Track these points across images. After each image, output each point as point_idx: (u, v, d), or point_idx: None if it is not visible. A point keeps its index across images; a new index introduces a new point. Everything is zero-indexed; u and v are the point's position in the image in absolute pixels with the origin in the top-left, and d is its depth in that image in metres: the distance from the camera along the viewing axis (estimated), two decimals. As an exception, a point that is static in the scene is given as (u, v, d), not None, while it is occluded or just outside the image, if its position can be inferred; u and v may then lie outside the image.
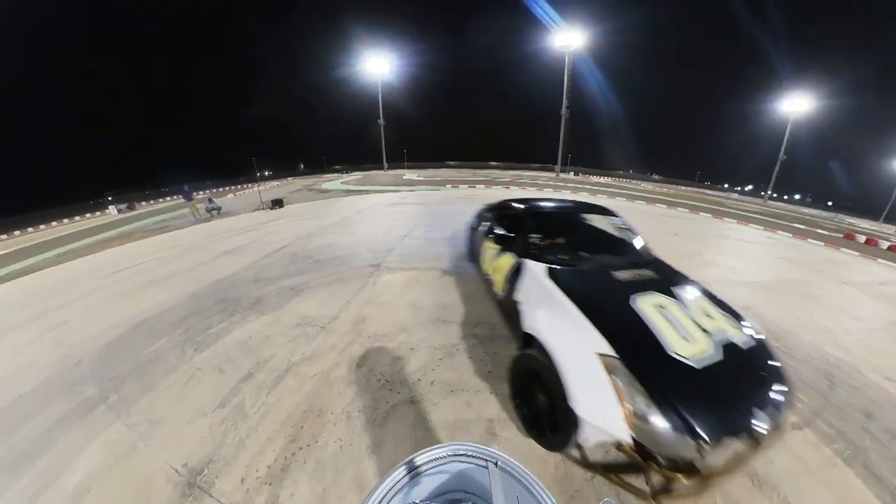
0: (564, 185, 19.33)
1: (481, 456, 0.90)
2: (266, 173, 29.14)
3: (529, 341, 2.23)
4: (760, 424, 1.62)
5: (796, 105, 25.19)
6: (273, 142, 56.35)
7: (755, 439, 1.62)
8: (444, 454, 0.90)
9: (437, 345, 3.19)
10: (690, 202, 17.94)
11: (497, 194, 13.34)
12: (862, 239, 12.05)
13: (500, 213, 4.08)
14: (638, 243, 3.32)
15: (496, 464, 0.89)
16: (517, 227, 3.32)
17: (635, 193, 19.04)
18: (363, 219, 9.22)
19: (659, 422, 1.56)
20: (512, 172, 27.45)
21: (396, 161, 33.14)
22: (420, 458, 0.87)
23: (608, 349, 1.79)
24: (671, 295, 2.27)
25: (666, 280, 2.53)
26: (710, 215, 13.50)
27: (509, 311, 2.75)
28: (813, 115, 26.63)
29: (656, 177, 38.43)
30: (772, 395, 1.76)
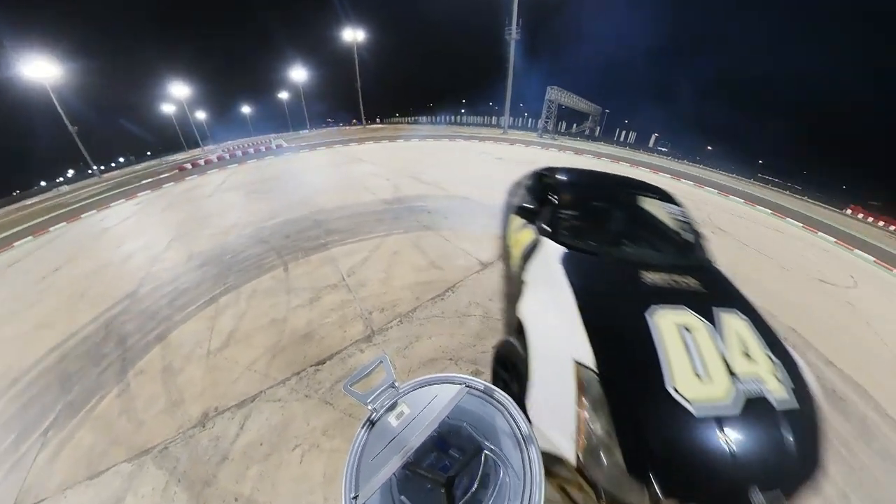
0: None
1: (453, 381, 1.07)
2: None
3: (519, 328, 1.98)
4: None
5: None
6: None
7: None
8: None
9: None
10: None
11: None
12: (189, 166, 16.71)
13: (534, 182, 3.66)
14: (693, 243, 2.67)
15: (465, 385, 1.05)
16: (544, 200, 2.92)
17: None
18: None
19: (614, 460, 1.30)
20: None
21: None
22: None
23: (590, 360, 1.52)
24: (708, 316, 1.77)
25: (710, 296, 1.95)
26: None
27: (516, 290, 2.51)
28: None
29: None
30: (786, 482, 1.31)
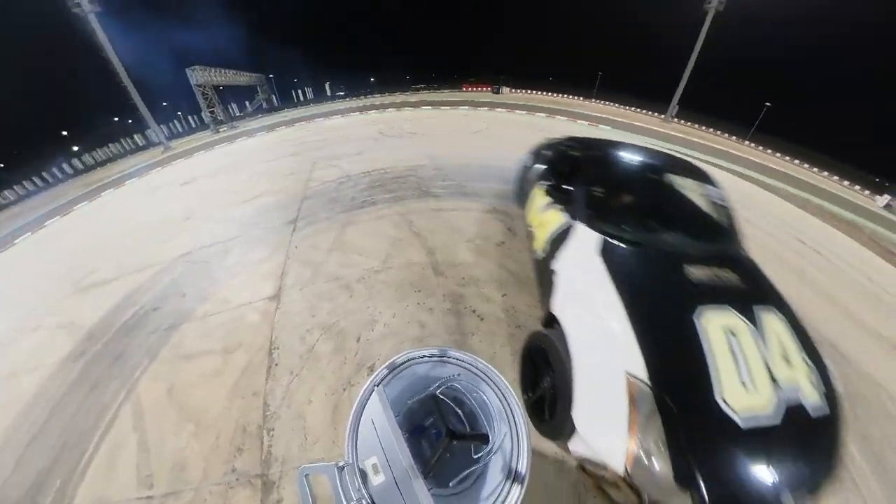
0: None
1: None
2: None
3: (553, 323, 1.91)
4: None
5: None
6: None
7: None
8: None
9: None
10: None
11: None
12: None
13: (559, 152, 3.33)
14: (729, 229, 2.37)
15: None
16: (576, 177, 2.61)
17: None
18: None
19: (663, 472, 1.32)
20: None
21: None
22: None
23: (642, 372, 1.46)
24: (750, 317, 1.66)
25: (751, 292, 1.84)
26: None
27: (543, 277, 2.36)
28: None
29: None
30: (814, 483, 1.37)
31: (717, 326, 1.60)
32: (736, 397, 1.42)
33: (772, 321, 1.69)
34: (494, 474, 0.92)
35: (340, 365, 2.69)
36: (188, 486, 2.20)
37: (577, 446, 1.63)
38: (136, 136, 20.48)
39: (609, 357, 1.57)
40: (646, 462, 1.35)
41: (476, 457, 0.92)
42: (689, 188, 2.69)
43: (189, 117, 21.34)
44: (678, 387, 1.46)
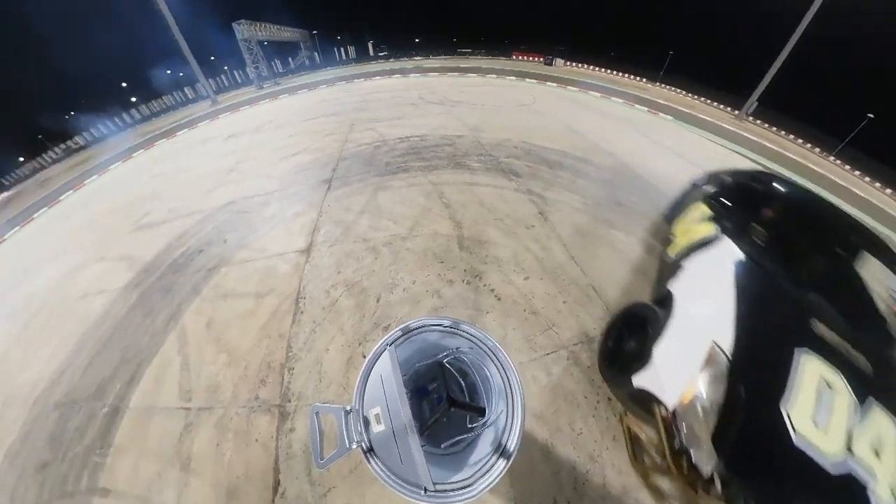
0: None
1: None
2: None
3: (663, 301, 2.07)
4: None
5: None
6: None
7: None
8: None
9: None
10: None
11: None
12: None
13: (740, 183, 3.20)
14: (890, 322, 1.98)
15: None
16: (747, 206, 2.66)
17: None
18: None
19: (703, 432, 1.39)
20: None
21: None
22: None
23: (728, 347, 1.54)
24: (859, 398, 1.46)
25: (875, 384, 1.57)
26: None
27: (665, 270, 2.62)
28: None
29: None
30: None
31: (815, 369, 1.49)
32: (801, 422, 1.34)
33: (883, 420, 1.46)
34: (484, 445, 0.96)
35: (359, 321, 2.85)
36: (219, 405, 2.51)
37: (641, 379, 1.78)
38: (186, 90, 21.51)
39: (703, 324, 1.73)
40: (692, 413, 1.42)
41: (471, 426, 0.96)
42: (872, 269, 2.27)
43: (234, 72, 22.00)
44: (752, 374, 1.49)
